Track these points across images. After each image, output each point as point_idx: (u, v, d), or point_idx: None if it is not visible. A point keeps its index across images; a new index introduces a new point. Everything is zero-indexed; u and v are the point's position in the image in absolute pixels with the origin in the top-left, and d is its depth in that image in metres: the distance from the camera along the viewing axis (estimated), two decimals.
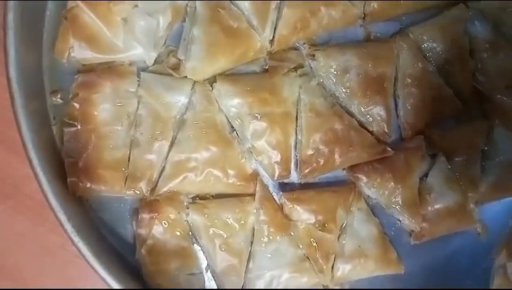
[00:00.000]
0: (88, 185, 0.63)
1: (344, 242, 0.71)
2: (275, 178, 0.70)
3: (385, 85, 0.73)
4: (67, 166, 0.64)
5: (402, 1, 0.75)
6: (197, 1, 0.67)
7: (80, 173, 0.63)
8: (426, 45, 0.76)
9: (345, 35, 0.75)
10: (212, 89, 0.69)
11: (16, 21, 0.58)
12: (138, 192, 0.66)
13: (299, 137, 0.72)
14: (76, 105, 0.64)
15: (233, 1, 0.69)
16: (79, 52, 0.64)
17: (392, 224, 0.75)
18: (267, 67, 0.72)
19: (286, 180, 0.72)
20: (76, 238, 0.56)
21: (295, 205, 0.70)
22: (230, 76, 0.71)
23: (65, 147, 0.65)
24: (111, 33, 0.65)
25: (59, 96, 0.67)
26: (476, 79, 0.77)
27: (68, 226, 0.56)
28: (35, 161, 0.58)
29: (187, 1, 0.68)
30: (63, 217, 0.56)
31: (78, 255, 0.60)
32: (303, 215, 0.70)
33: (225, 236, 0.67)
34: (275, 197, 0.71)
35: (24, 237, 0.68)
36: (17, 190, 0.68)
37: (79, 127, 0.64)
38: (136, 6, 0.65)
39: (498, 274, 0.76)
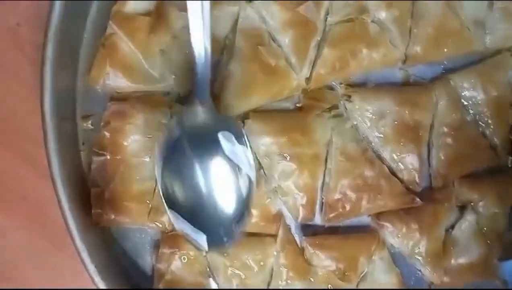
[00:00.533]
0: (112, 217, 0.63)
1: None
2: (299, 220, 0.69)
3: (420, 134, 0.71)
4: (93, 196, 0.63)
5: (445, 46, 0.72)
6: (237, 35, 0.66)
7: (105, 204, 0.63)
8: (466, 93, 0.73)
9: (383, 76, 0.73)
10: (244, 125, 0.68)
11: (55, 49, 0.57)
12: (161, 225, 0.65)
13: (327, 179, 0.70)
14: (107, 134, 0.64)
15: (273, 37, 0.67)
16: (114, 80, 0.63)
17: (412, 273, 0.74)
18: (300, 105, 0.71)
19: (309, 222, 0.71)
20: (97, 278, 0.56)
21: (317, 251, 0.68)
22: (263, 113, 0.69)
23: (92, 176, 0.64)
24: (148, 63, 0.63)
25: (90, 121, 0.66)
26: None
27: (91, 266, 0.56)
28: (62, 193, 0.57)
29: (226, 33, 0.67)
30: (85, 256, 0.56)
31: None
32: (324, 262, 0.68)
33: (243, 276, 0.66)
34: (297, 238, 0.70)
35: (43, 260, 0.68)
36: (40, 212, 0.68)
37: (108, 156, 0.63)
38: (176, 37, 0.64)
39: None
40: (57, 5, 0.58)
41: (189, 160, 0.55)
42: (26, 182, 0.68)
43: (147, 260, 0.68)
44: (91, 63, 0.64)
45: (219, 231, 0.56)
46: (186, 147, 0.55)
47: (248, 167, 0.57)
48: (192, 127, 0.57)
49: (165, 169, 0.55)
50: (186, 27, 0.54)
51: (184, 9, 0.54)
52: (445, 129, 0.72)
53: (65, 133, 0.62)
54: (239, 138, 0.58)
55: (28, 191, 0.68)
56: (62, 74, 0.61)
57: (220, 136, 0.56)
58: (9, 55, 0.68)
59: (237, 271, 0.66)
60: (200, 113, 0.57)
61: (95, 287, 0.59)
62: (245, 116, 0.68)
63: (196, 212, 0.56)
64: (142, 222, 0.64)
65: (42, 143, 0.60)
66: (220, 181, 0.56)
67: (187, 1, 0.54)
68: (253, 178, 0.58)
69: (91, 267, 0.56)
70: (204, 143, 0.56)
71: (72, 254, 0.62)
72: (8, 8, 0.67)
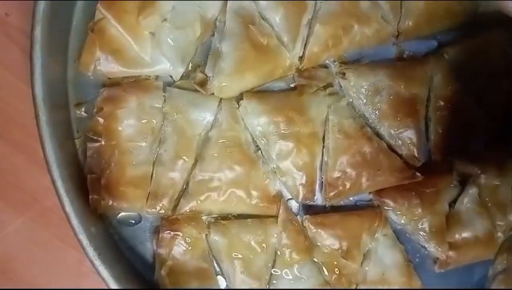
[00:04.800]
0: (110, 202, 0.62)
1: (367, 268, 0.69)
2: (299, 200, 0.68)
3: (417, 108, 0.71)
4: (89, 183, 0.63)
5: (437, 19, 0.72)
6: (226, 15, 0.65)
7: (102, 190, 0.62)
8: (460, 66, 0.73)
9: (377, 53, 0.73)
10: (239, 106, 0.67)
11: (43, 32, 0.56)
12: (160, 211, 0.64)
13: (325, 158, 0.69)
14: (101, 120, 0.63)
15: (263, 16, 0.67)
16: (105, 66, 0.63)
17: (416, 250, 0.73)
18: (294, 85, 0.70)
19: (310, 202, 0.70)
20: (97, 262, 0.55)
21: (319, 230, 0.68)
22: (257, 93, 0.69)
23: (88, 163, 0.63)
24: (138, 47, 0.63)
25: (83, 109, 0.66)
26: (510, 101, 0.74)
27: (90, 250, 0.55)
28: (59, 182, 0.57)
29: (216, 15, 0.66)
30: (85, 241, 0.56)
31: (95, 271, 0.58)
32: (327, 240, 0.68)
33: (246, 258, 0.65)
34: (298, 219, 0.69)
35: (42, 249, 0.68)
36: (37, 202, 0.67)
37: (102, 142, 0.63)
38: (165, 20, 0.63)
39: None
40: None
41: None
42: (21, 172, 0.67)
43: (148, 247, 0.67)
44: (81, 50, 0.64)
45: None
46: None
47: None
48: None
49: None
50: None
51: None
52: (442, 103, 0.72)
53: (58, 121, 0.61)
54: None
55: (23, 181, 0.67)
56: (52, 61, 0.60)
57: None
58: None
59: (239, 253, 0.65)
60: None
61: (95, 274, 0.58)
62: (240, 98, 0.68)
63: None
64: (140, 207, 0.63)
65: (35, 132, 0.59)
66: None
67: None
68: None
69: (91, 252, 0.55)
70: None
71: (71, 242, 0.62)
72: None
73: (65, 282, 0.68)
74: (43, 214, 0.67)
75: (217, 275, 0.67)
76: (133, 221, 0.67)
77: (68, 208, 0.57)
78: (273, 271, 0.66)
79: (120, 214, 0.67)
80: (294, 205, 0.70)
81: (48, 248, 0.67)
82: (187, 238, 0.64)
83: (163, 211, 0.64)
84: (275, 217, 0.67)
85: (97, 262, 0.55)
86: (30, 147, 0.66)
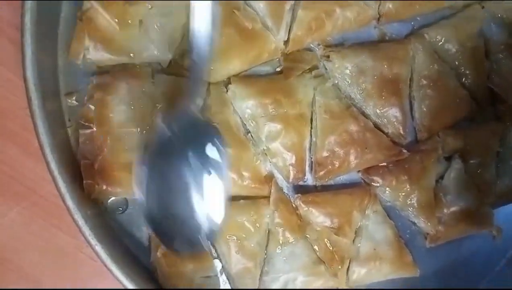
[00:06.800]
0: (104, 187, 0.63)
1: (359, 245, 0.71)
2: (290, 180, 0.70)
3: (400, 87, 0.73)
4: (82, 168, 0.63)
5: (417, 2, 0.74)
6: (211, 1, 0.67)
7: (96, 175, 0.63)
8: (441, 46, 0.75)
9: (359, 36, 0.75)
10: (227, 91, 0.69)
11: (33, 22, 0.57)
12: None
13: (314, 139, 0.71)
14: (92, 107, 0.64)
15: (247, 2, 0.69)
16: (94, 54, 0.64)
17: (407, 227, 0.75)
18: (280, 68, 0.72)
19: (300, 182, 0.72)
20: (93, 241, 0.56)
21: (310, 208, 0.69)
22: (245, 77, 0.70)
23: (81, 149, 0.64)
24: (126, 35, 0.64)
25: (74, 98, 0.67)
26: (491, 80, 0.77)
27: (86, 229, 0.56)
28: (53, 164, 0.57)
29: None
30: (81, 221, 0.56)
31: (92, 257, 0.59)
32: (318, 218, 0.69)
33: (240, 239, 0.66)
34: (290, 199, 0.71)
35: (39, 238, 0.68)
36: (32, 191, 0.68)
37: (94, 129, 0.64)
38: (151, 7, 0.65)
39: None
40: None
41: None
42: (14, 163, 0.68)
43: (143, 231, 0.68)
44: (71, 40, 0.65)
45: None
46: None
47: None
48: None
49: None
50: None
51: None
52: (424, 82, 0.74)
53: (50, 111, 0.62)
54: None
55: (17, 171, 0.68)
56: (43, 53, 0.61)
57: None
58: None
59: (234, 234, 0.66)
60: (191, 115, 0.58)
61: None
62: (227, 82, 0.69)
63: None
64: (134, 192, 0.64)
65: (28, 123, 0.60)
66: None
67: None
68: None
69: (87, 231, 0.56)
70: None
71: (67, 230, 0.63)
72: None
73: (63, 270, 0.68)
74: (38, 204, 0.68)
75: (213, 259, 0.68)
76: (121, 208, 0.68)
77: (64, 189, 0.57)
78: (267, 250, 0.68)
79: (108, 202, 0.68)
80: (285, 185, 0.72)
81: (44, 236, 0.68)
82: None
83: None
84: (268, 197, 0.69)
85: (94, 241, 0.56)
86: (24, 137, 0.67)
